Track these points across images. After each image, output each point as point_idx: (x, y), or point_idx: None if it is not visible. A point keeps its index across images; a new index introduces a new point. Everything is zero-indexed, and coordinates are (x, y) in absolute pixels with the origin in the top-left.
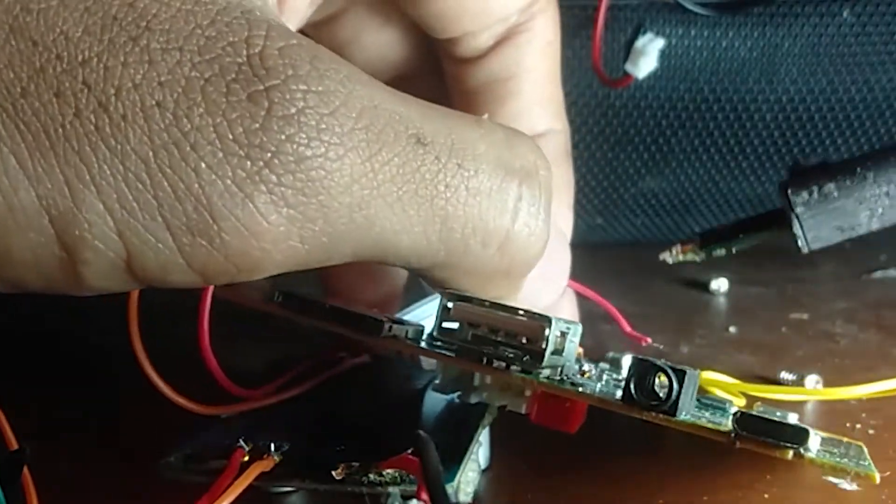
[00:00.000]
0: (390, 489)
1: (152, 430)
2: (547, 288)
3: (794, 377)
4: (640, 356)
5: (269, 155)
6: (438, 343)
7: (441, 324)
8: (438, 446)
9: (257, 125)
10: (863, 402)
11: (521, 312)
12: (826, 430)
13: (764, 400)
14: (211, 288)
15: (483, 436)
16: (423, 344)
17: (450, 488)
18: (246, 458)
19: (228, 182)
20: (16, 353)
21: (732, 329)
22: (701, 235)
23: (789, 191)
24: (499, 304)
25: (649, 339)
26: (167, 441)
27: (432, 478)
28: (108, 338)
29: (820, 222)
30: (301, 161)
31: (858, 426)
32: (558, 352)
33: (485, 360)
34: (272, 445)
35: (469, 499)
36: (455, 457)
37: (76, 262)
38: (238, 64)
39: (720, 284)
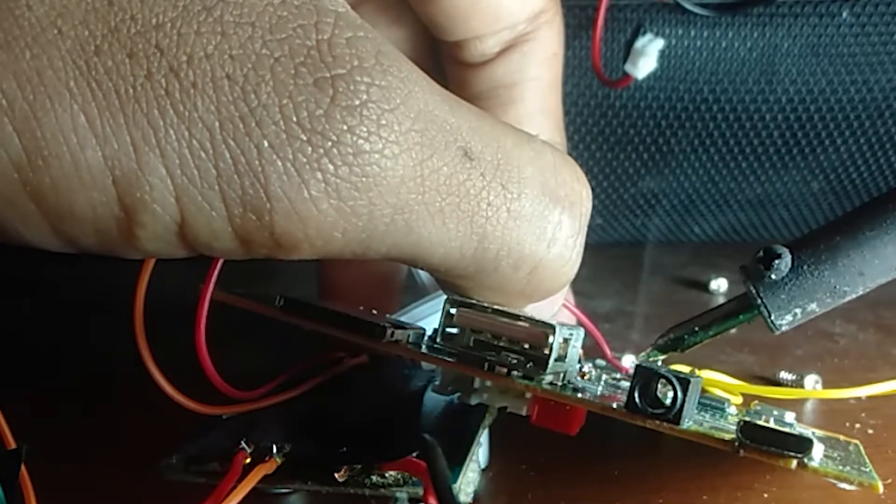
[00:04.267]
0: (397, 493)
1: (153, 430)
2: (545, 305)
3: (794, 377)
4: (644, 364)
5: (329, 144)
6: (440, 348)
7: (444, 329)
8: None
9: (321, 111)
10: (862, 401)
11: (523, 319)
12: (825, 429)
13: (762, 398)
14: (209, 292)
15: (482, 436)
16: (424, 348)
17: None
18: (248, 461)
19: (288, 164)
20: (16, 354)
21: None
22: (666, 341)
23: (750, 273)
24: (502, 310)
25: (629, 369)
26: (168, 441)
27: (441, 483)
28: (109, 338)
29: (786, 302)
30: (359, 154)
31: (858, 426)
32: (561, 358)
33: (487, 366)
34: (274, 447)
35: (469, 499)
36: (456, 458)
37: (133, 223)
38: (307, 47)
39: (720, 284)
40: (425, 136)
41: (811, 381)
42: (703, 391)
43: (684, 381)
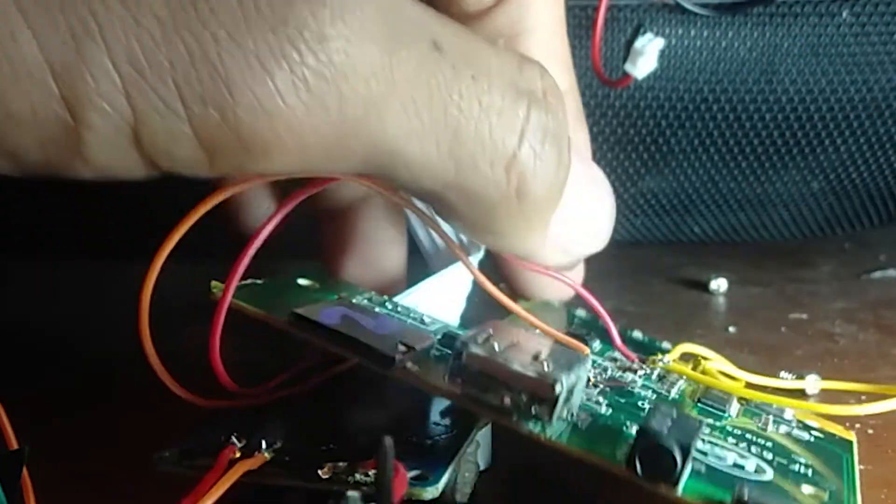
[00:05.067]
0: (348, 491)
1: (153, 430)
2: (579, 237)
3: (794, 377)
4: (647, 428)
5: (292, 29)
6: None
7: (451, 373)
8: (434, 447)
9: None
10: (862, 401)
11: (531, 368)
12: (825, 428)
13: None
14: (229, 295)
15: (483, 436)
16: (431, 376)
17: (434, 491)
18: (238, 455)
19: (250, 54)
20: (16, 354)
21: (732, 329)
22: None
23: None
24: (511, 357)
25: (635, 358)
26: (168, 442)
27: (383, 485)
28: (109, 338)
29: None
30: (324, 41)
31: (858, 426)
32: (568, 398)
33: (492, 408)
34: (263, 442)
35: (466, 499)
36: (445, 459)
37: (80, 125)
38: None
39: (720, 284)
40: (393, 28)
41: (811, 381)
42: (706, 389)
43: (685, 449)
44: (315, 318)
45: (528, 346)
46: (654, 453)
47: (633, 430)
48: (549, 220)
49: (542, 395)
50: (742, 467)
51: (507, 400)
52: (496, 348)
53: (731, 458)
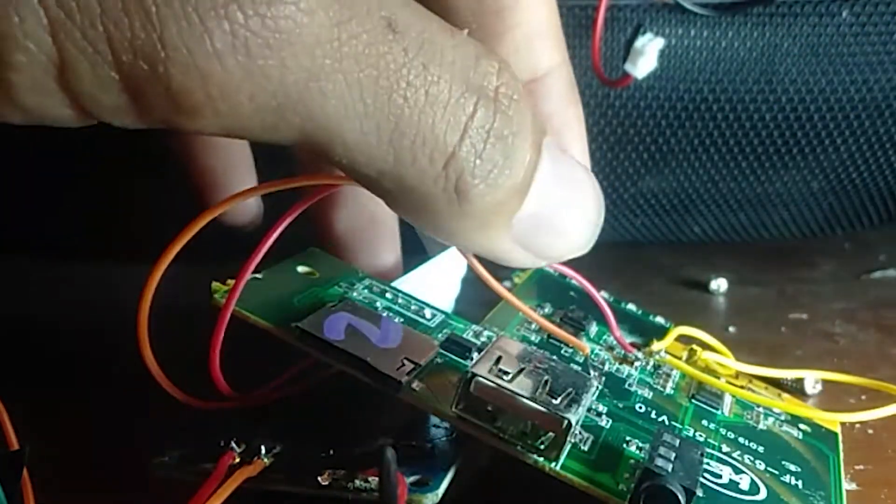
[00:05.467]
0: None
1: (153, 431)
2: (549, 242)
3: (793, 379)
4: (652, 469)
5: None
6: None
7: (460, 402)
8: (434, 450)
9: None
10: (862, 401)
11: (539, 402)
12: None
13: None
14: (232, 304)
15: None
16: (439, 403)
17: (434, 497)
18: (237, 460)
19: (189, 9)
20: (16, 354)
21: (732, 329)
22: None
23: None
24: (519, 386)
25: (634, 350)
26: (167, 443)
27: (388, 496)
28: (109, 339)
29: None
30: (272, 4)
31: (858, 425)
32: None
33: (499, 437)
34: (262, 448)
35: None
36: (445, 463)
37: (5, 65)
38: None
39: (719, 284)
40: None
41: (811, 381)
42: (699, 384)
43: (690, 492)
44: (320, 335)
45: (535, 368)
46: (659, 496)
47: (633, 447)
48: (506, 222)
49: (550, 429)
50: (737, 484)
51: (514, 431)
52: (504, 376)
53: (727, 473)
